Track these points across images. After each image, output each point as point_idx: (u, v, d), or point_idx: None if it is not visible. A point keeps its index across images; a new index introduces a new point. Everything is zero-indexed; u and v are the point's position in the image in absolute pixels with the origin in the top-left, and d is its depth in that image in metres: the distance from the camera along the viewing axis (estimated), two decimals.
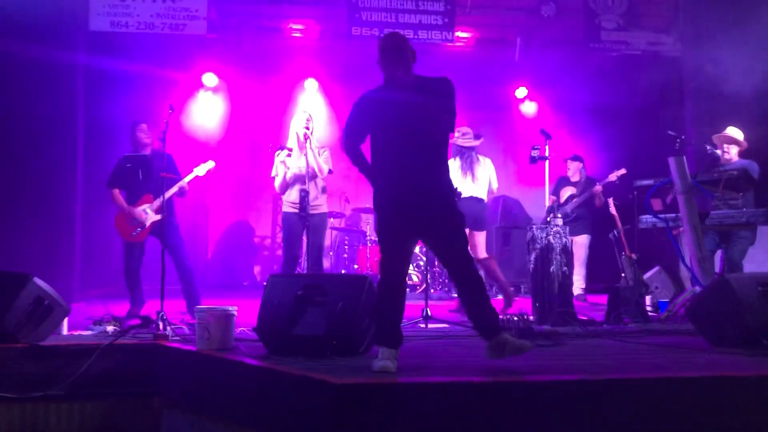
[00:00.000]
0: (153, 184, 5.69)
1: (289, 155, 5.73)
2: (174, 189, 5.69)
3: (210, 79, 10.00)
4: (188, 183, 5.79)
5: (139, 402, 4.18)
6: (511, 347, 3.48)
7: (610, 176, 7.73)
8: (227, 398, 3.70)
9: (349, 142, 3.81)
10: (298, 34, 9.46)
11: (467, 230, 5.37)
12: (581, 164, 8.10)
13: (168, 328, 4.44)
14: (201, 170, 5.87)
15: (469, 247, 6.01)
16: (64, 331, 4.67)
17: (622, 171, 7.67)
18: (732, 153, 6.21)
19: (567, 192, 8.00)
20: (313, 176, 5.67)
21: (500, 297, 6.61)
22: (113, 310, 5.17)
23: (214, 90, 10.19)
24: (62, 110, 7.60)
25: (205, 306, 4.12)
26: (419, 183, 3.61)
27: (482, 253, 6.32)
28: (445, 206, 3.66)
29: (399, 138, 3.65)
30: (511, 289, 6.56)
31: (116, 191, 5.82)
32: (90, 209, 8.13)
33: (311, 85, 10.39)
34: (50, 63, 7.22)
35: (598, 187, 7.76)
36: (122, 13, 7.80)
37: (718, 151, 6.21)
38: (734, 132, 6.28)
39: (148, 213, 5.69)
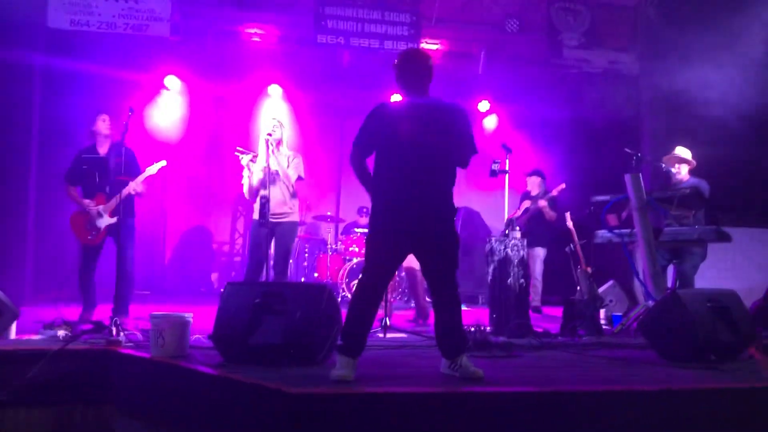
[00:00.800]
0: (108, 184, 5.56)
1: (252, 160, 5.67)
2: (128, 189, 5.48)
3: (172, 82, 9.87)
4: (143, 182, 5.62)
5: (90, 409, 4.07)
6: (464, 372, 3.52)
7: (552, 192, 7.92)
8: (181, 407, 3.64)
9: (356, 153, 3.80)
10: (260, 40, 9.42)
11: None
12: (540, 179, 8.24)
13: (121, 333, 4.37)
14: (153, 169, 5.68)
15: None
16: (13, 335, 4.53)
17: (562, 186, 7.87)
18: (683, 172, 6.37)
19: (525, 206, 8.14)
20: (276, 183, 5.62)
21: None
22: (65, 314, 5.04)
23: (176, 93, 10.06)
24: (16, 109, 7.41)
25: (159, 312, 4.05)
26: (419, 200, 3.61)
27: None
28: (443, 226, 3.69)
29: (405, 156, 3.64)
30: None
31: (72, 188, 5.68)
32: (43, 210, 7.93)
33: (275, 91, 10.34)
34: (5, 62, 7.02)
35: (542, 202, 7.94)
36: (83, 11, 7.64)
37: (674, 169, 6.37)
38: (683, 152, 6.46)
39: (103, 216, 5.56)
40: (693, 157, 6.48)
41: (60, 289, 7.84)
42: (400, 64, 3.80)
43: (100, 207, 5.57)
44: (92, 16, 7.66)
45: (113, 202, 5.52)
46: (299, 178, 5.78)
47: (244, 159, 5.70)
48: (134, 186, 5.54)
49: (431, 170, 3.66)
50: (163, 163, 5.77)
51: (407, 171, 3.62)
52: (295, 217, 5.82)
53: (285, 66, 9.91)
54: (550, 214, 7.92)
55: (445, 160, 3.73)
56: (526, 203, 8.16)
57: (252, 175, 5.67)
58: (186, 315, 4.03)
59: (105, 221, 5.56)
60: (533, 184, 8.24)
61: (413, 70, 3.78)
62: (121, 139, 5.13)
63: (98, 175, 5.61)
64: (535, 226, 7.96)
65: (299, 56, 9.49)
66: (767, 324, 5.46)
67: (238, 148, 5.84)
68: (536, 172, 8.31)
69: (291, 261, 9.61)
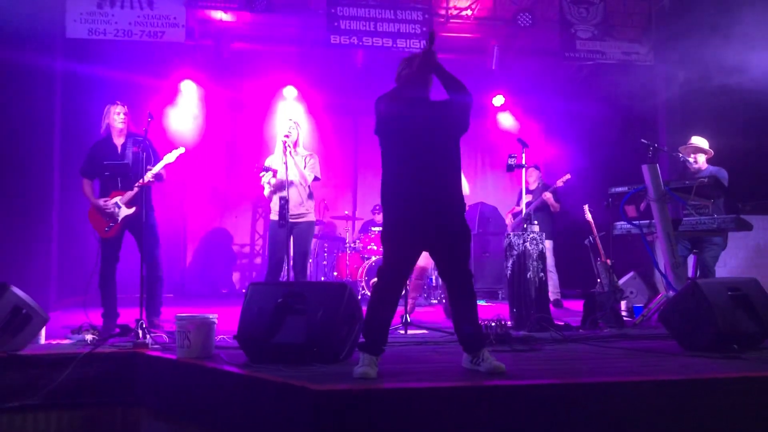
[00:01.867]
0: (130, 181, 5.39)
1: (274, 175, 5.71)
2: (147, 177, 5.27)
3: (188, 86, 9.99)
4: (165, 168, 5.45)
5: (118, 411, 4.16)
6: (487, 366, 3.54)
7: (557, 182, 7.97)
8: (208, 406, 3.70)
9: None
10: (274, 42, 9.49)
11: None
12: (538, 172, 8.33)
13: (147, 336, 4.43)
14: (171, 157, 5.49)
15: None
16: (42, 340, 4.61)
17: (567, 176, 7.91)
18: (700, 161, 6.34)
19: (525, 200, 8.18)
20: (294, 184, 5.68)
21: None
22: (92, 319, 5.14)
23: (193, 97, 10.17)
24: (39, 116, 7.52)
25: (184, 314, 4.12)
26: (432, 193, 3.64)
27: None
28: (456, 218, 3.72)
29: (413, 147, 3.68)
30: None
31: (88, 182, 5.52)
32: (67, 216, 8.06)
33: (290, 92, 10.42)
34: (27, 69, 7.13)
35: (547, 194, 8.00)
36: (100, 20, 7.77)
37: (690, 159, 6.34)
38: (699, 141, 6.42)
39: (120, 207, 5.37)
40: (710, 146, 6.44)
41: (85, 293, 7.96)
42: (401, 70, 3.86)
43: (117, 198, 5.39)
44: (109, 25, 7.78)
45: (130, 193, 5.36)
46: (315, 178, 5.84)
47: (265, 178, 5.75)
48: (152, 174, 5.34)
49: (440, 163, 3.69)
50: (182, 150, 5.60)
51: (416, 165, 3.65)
52: (312, 217, 5.89)
53: (299, 67, 9.99)
54: (555, 205, 8.03)
55: (452, 144, 3.76)
56: (527, 197, 8.21)
57: (272, 186, 5.75)
58: (211, 316, 4.09)
59: (123, 212, 5.36)
60: (531, 178, 8.29)
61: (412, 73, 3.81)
62: (142, 150, 5.09)
63: (120, 176, 5.44)
64: (539, 219, 8.00)
65: (313, 57, 9.56)
66: None
67: (257, 166, 5.86)
68: (532, 166, 8.37)
69: (311, 260, 9.71)
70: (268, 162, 5.86)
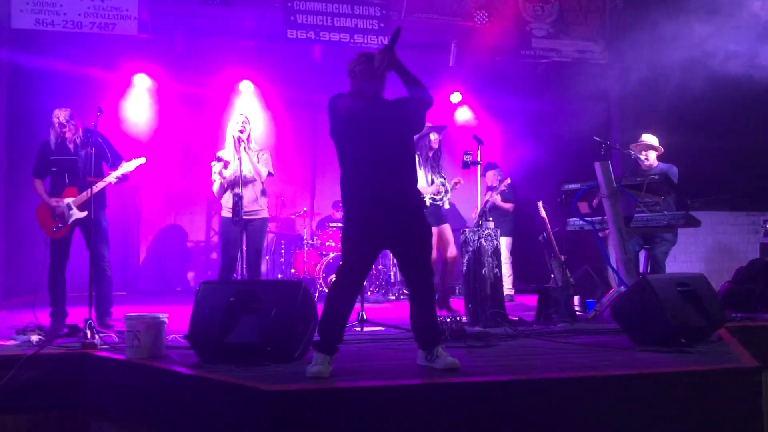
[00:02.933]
0: (79, 177, 5.28)
1: (225, 167, 5.60)
2: (101, 185, 5.25)
3: (142, 80, 9.77)
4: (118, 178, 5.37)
5: (65, 414, 4.05)
6: (441, 362, 3.56)
7: (500, 186, 8.31)
8: (158, 408, 3.63)
9: None
10: (230, 36, 9.34)
11: (435, 229, 5.65)
12: (495, 171, 8.53)
13: (96, 336, 4.32)
14: (130, 166, 5.42)
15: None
16: None
17: (507, 181, 8.28)
18: (651, 158, 6.47)
19: (486, 197, 8.35)
20: (248, 180, 5.61)
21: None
22: (40, 319, 4.98)
23: (146, 91, 9.96)
24: None
25: (134, 313, 4.02)
26: (391, 191, 3.64)
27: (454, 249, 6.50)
28: (416, 216, 3.74)
29: (370, 146, 3.67)
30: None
31: (39, 182, 5.38)
32: (12, 212, 7.82)
33: (247, 87, 10.28)
34: None
35: (495, 196, 8.33)
36: (48, 11, 7.51)
37: (642, 156, 6.46)
38: (650, 138, 6.55)
39: (72, 209, 5.26)
40: (661, 143, 6.57)
41: (34, 292, 7.73)
42: (353, 67, 3.82)
43: (70, 200, 5.27)
44: (57, 16, 7.53)
45: (83, 195, 5.24)
46: (269, 174, 5.79)
47: (217, 167, 5.62)
48: (109, 180, 5.30)
49: (396, 161, 3.70)
50: (142, 160, 5.52)
51: (375, 165, 3.65)
52: (265, 214, 5.82)
53: (256, 62, 9.86)
54: (503, 205, 8.33)
55: (406, 141, 3.78)
56: (487, 195, 8.35)
57: (223, 177, 5.63)
58: (161, 315, 4.01)
59: (74, 214, 5.25)
60: (491, 178, 8.48)
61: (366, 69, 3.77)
62: (90, 144, 5.01)
63: (68, 176, 5.33)
64: (495, 218, 8.11)
65: (270, 52, 9.45)
66: (735, 306, 5.59)
67: (213, 160, 5.73)
68: (491, 165, 8.56)
69: (267, 257, 9.62)
70: (220, 155, 5.72)
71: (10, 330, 4.86)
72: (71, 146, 5.38)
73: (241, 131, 5.57)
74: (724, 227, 8.83)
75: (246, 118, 5.73)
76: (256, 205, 5.70)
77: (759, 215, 8.59)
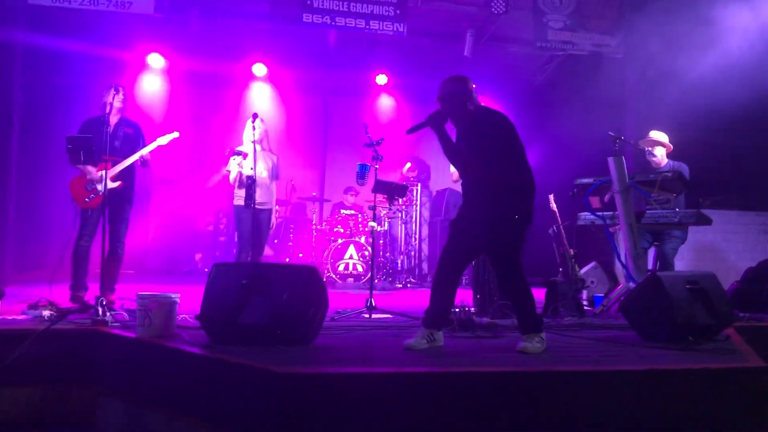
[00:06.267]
0: (115, 149, 5.42)
1: (244, 158, 6.04)
2: (134, 157, 5.43)
3: (156, 59, 9.78)
4: (150, 153, 5.54)
5: (74, 389, 4.08)
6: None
7: None
8: (167, 387, 3.66)
9: None
10: (245, 18, 9.31)
11: None
12: None
13: (107, 313, 4.36)
14: (164, 140, 5.65)
15: None
16: None
17: None
18: (658, 155, 6.45)
19: None
20: (262, 178, 6.07)
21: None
22: (50, 294, 5.02)
23: (160, 71, 9.97)
24: None
25: (146, 292, 4.05)
26: None
27: None
28: None
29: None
30: None
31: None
32: (25, 188, 7.86)
33: (260, 70, 10.28)
34: None
35: None
36: None
37: (651, 151, 6.44)
38: (658, 135, 6.52)
39: (105, 179, 5.21)
40: (673, 141, 6.54)
41: (42, 268, 7.80)
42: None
43: (103, 172, 5.23)
44: None
45: (117, 167, 5.37)
46: (277, 177, 6.45)
47: (237, 159, 6.07)
48: (142, 153, 5.48)
49: None
50: (176, 134, 5.73)
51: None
52: (272, 206, 6.39)
53: (270, 45, 9.85)
54: None
55: None
56: None
57: (242, 170, 6.08)
58: (173, 295, 4.04)
59: (108, 185, 5.21)
60: None
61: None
62: (106, 123, 5.12)
63: (81, 148, 5.10)
64: None
65: (285, 35, 9.43)
66: (744, 306, 5.58)
67: (229, 150, 6.20)
68: None
69: (276, 240, 9.67)
70: (240, 149, 6.13)
71: (22, 305, 4.91)
72: (114, 125, 5.49)
73: (259, 138, 6.12)
74: (733, 226, 8.80)
75: (260, 120, 6.10)
76: (266, 197, 6.26)
77: None
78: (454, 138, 4.11)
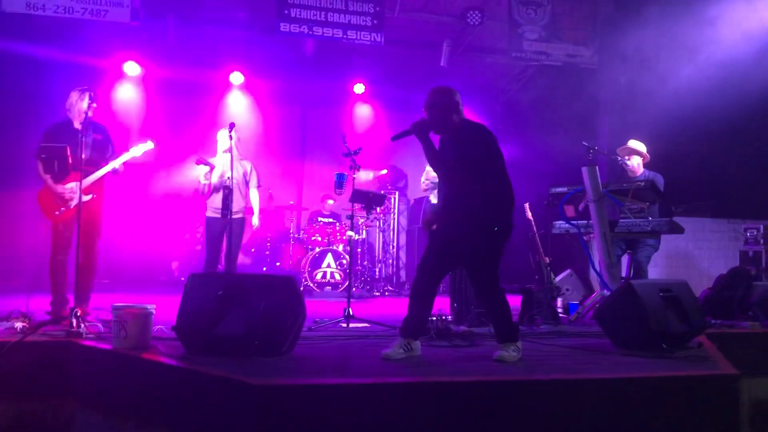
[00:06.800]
0: (85, 159, 5.10)
1: (210, 171, 6.17)
2: (106, 169, 5.25)
3: (132, 68, 9.72)
4: (122, 164, 5.34)
5: (50, 402, 4.03)
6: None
7: None
8: (144, 399, 3.63)
9: None
10: (222, 26, 9.31)
11: None
12: None
13: (82, 325, 4.31)
14: (138, 151, 5.45)
15: None
16: None
17: None
18: (635, 164, 6.55)
19: None
20: (234, 183, 6.02)
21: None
22: (23, 306, 4.95)
23: (136, 79, 9.91)
24: None
25: (121, 303, 4.02)
26: None
27: None
28: None
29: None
30: None
31: (41, 164, 5.21)
32: None
33: (237, 78, 10.25)
34: None
35: None
36: None
37: (627, 161, 6.54)
38: (636, 144, 6.63)
39: (77, 192, 5.11)
40: (648, 150, 6.65)
41: (14, 278, 7.69)
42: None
43: (75, 184, 5.13)
44: (49, 0, 7.47)
45: (89, 179, 5.17)
46: (258, 184, 6.56)
47: (203, 170, 6.20)
48: (114, 166, 5.28)
49: None
50: (150, 145, 5.54)
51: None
52: (243, 214, 6.44)
53: (248, 54, 9.85)
54: None
55: None
56: None
57: (210, 181, 6.26)
58: (148, 306, 4.01)
59: (78, 198, 5.11)
60: None
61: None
62: (81, 131, 4.93)
63: (56, 157, 5.12)
64: None
65: (262, 44, 9.44)
66: (715, 313, 5.68)
67: (197, 158, 6.30)
68: None
69: (252, 250, 9.63)
70: (212, 161, 6.29)
71: None
72: (81, 131, 5.14)
73: (228, 147, 6.05)
74: (705, 233, 8.94)
75: (233, 127, 5.96)
76: (239, 205, 6.29)
77: (740, 223, 8.72)
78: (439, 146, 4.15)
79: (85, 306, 5.20)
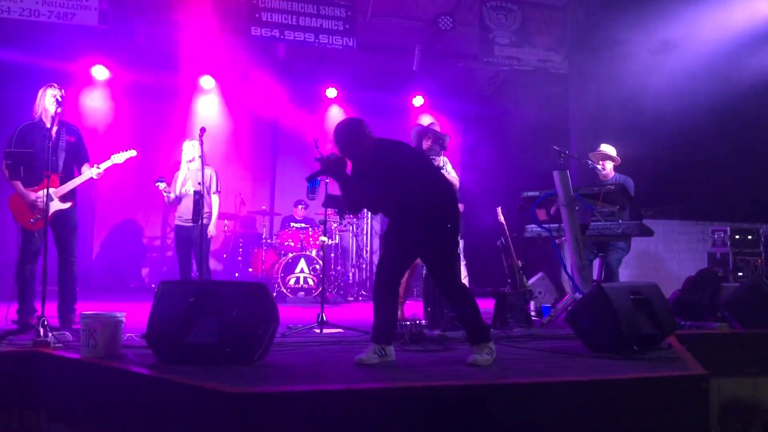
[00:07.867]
0: (60, 163, 4.98)
1: (167, 188, 6.50)
2: (84, 177, 5.09)
3: (100, 71, 9.58)
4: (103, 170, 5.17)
5: (17, 415, 3.94)
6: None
7: None
8: (115, 409, 3.57)
9: None
10: (193, 29, 9.22)
11: None
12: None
13: (50, 334, 4.21)
14: (120, 158, 5.27)
15: None
16: None
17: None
18: (608, 168, 6.63)
19: None
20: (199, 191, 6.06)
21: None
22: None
23: (104, 83, 9.77)
24: None
25: (90, 311, 3.95)
26: None
27: None
28: None
29: None
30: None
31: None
32: None
33: (208, 82, 10.17)
34: None
35: None
36: None
37: (599, 166, 6.61)
38: (608, 149, 6.72)
39: (53, 199, 4.92)
40: (618, 153, 6.74)
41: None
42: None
43: (51, 190, 4.87)
44: (14, 3, 7.34)
45: (66, 187, 5.02)
46: (218, 191, 6.74)
47: (161, 186, 6.52)
48: (97, 172, 5.10)
49: None
50: (133, 153, 5.39)
51: None
52: (207, 220, 6.48)
53: (218, 57, 9.76)
54: None
55: None
56: None
57: (171, 193, 6.59)
58: (118, 314, 3.94)
59: (55, 205, 4.94)
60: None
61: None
62: (48, 137, 4.73)
63: (22, 163, 4.89)
64: None
65: (233, 48, 9.37)
66: (684, 314, 5.76)
67: (157, 181, 6.60)
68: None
69: (225, 255, 9.55)
70: (176, 175, 6.62)
71: None
72: (55, 133, 5.00)
73: (191, 160, 6.49)
74: (675, 236, 9.09)
75: (201, 142, 5.76)
76: (204, 212, 6.35)
77: (708, 225, 8.87)
78: (356, 176, 4.15)
79: (71, 315, 5.05)
